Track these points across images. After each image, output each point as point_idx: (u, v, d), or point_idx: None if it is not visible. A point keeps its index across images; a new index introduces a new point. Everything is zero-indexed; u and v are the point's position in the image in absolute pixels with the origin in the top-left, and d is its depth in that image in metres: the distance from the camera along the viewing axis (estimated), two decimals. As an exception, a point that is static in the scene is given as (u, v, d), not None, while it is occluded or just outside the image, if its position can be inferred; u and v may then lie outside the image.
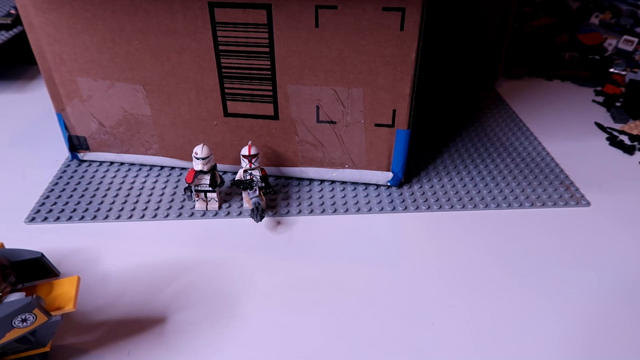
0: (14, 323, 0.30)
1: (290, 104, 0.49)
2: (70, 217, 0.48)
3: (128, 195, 0.52)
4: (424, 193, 0.52)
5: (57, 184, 0.53)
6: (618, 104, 0.71)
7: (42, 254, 0.32)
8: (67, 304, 0.32)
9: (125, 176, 0.55)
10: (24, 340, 0.33)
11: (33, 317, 0.30)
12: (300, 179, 0.55)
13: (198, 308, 0.39)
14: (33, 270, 0.33)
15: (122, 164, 0.57)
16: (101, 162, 0.57)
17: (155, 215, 0.49)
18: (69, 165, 0.56)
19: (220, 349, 0.36)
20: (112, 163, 0.57)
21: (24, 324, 0.30)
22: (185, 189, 0.49)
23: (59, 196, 0.51)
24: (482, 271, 0.43)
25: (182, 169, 0.56)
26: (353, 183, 0.54)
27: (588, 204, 0.51)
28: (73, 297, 0.32)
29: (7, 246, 0.46)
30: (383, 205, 0.51)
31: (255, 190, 0.48)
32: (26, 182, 0.54)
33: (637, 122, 0.66)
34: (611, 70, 0.80)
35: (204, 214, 0.49)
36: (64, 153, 0.58)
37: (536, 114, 0.70)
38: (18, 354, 0.33)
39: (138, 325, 0.38)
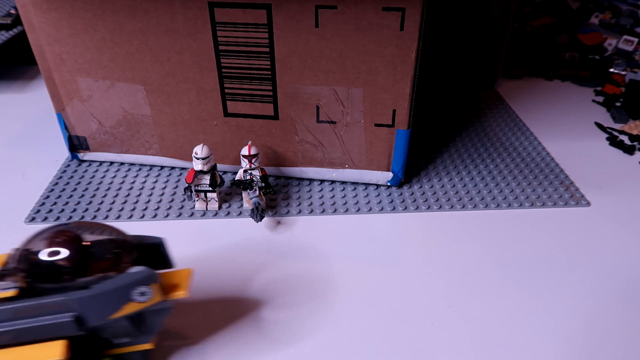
0: (133, 296, 0.30)
1: (290, 104, 0.49)
2: (70, 217, 0.48)
3: (128, 195, 0.52)
4: (424, 193, 0.52)
5: (57, 184, 0.53)
6: (618, 104, 0.71)
7: (163, 240, 0.32)
8: (180, 290, 0.32)
9: (125, 176, 0.55)
10: (132, 327, 0.32)
11: (151, 293, 0.30)
12: (300, 179, 0.55)
13: (197, 308, 0.39)
14: (151, 260, 0.33)
15: (122, 164, 0.57)
16: (101, 162, 0.57)
17: (155, 215, 0.49)
18: (69, 165, 0.56)
19: (220, 348, 0.36)
20: (112, 163, 0.57)
21: (142, 297, 0.30)
22: (185, 189, 0.49)
23: (59, 196, 0.51)
24: (482, 271, 0.43)
25: (182, 169, 0.56)
26: (353, 183, 0.54)
27: (588, 204, 0.51)
28: (186, 285, 0.32)
29: (6, 246, 0.46)
30: (383, 205, 0.51)
31: (255, 190, 0.48)
32: (26, 182, 0.54)
33: (637, 122, 0.66)
34: (611, 70, 0.80)
35: (204, 214, 0.49)
36: (64, 153, 0.58)
37: (536, 114, 0.70)
38: (121, 349, 0.33)
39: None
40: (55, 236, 0.30)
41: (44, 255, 0.29)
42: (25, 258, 0.30)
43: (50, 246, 0.29)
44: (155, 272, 0.30)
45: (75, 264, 0.29)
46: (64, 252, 0.29)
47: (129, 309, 0.30)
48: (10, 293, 0.29)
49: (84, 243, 0.30)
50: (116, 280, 0.30)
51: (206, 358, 0.36)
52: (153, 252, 0.33)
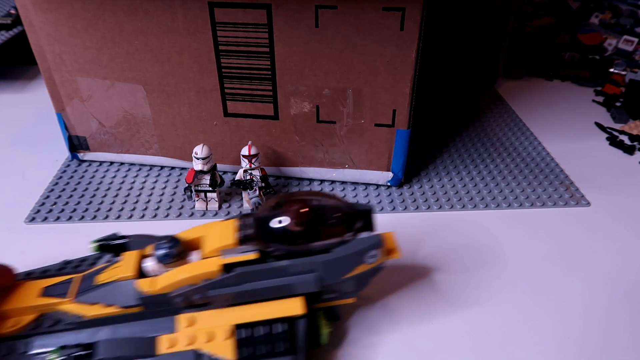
0: (365, 258, 0.33)
1: (291, 104, 0.49)
2: (70, 217, 0.48)
3: (128, 195, 0.52)
4: (424, 193, 0.52)
5: (57, 184, 0.53)
6: (618, 104, 0.71)
7: (372, 207, 0.34)
8: (395, 253, 0.35)
9: (125, 176, 0.55)
10: (353, 285, 0.35)
11: (377, 255, 0.33)
12: (300, 179, 0.55)
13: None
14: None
15: (122, 164, 0.57)
16: (101, 162, 0.57)
17: (155, 215, 0.49)
18: (69, 165, 0.56)
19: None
20: (112, 163, 0.57)
21: (371, 259, 0.33)
22: (185, 189, 0.49)
23: (59, 196, 0.51)
24: (482, 271, 0.43)
25: (182, 169, 0.56)
26: (353, 183, 0.54)
27: (588, 204, 0.51)
28: (397, 248, 0.35)
29: (6, 247, 0.46)
30: (383, 205, 0.51)
31: (255, 190, 0.48)
32: (26, 182, 0.54)
33: (637, 122, 0.66)
34: (611, 70, 0.80)
35: (204, 214, 0.49)
36: (64, 153, 0.58)
37: (536, 114, 0.70)
38: (326, 303, 0.36)
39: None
40: (289, 205, 0.32)
41: (276, 223, 0.32)
42: (262, 225, 0.32)
43: (283, 214, 0.32)
44: (381, 236, 0.33)
45: (308, 230, 0.32)
46: (298, 219, 0.32)
47: (359, 269, 0.34)
48: (252, 256, 0.32)
49: (313, 210, 0.33)
50: (355, 245, 0.33)
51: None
52: (362, 218, 0.35)
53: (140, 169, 0.56)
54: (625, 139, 0.64)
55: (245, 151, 0.48)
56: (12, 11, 0.79)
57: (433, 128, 0.66)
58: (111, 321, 0.33)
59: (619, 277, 0.42)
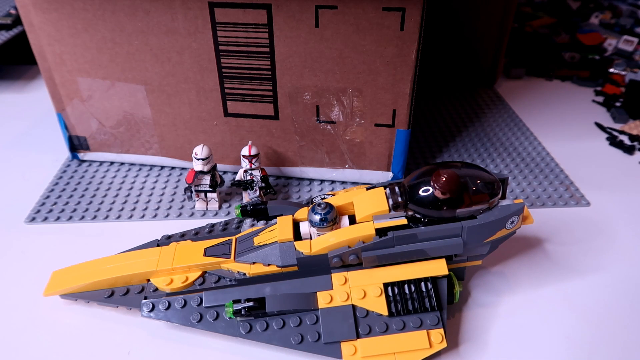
0: (506, 224, 0.35)
1: (291, 104, 0.49)
2: (71, 217, 0.48)
3: (128, 195, 0.52)
4: (424, 193, 0.52)
5: (57, 184, 0.53)
6: (618, 104, 0.71)
7: (508, 177, 0.37)
8: (528, 219, 0.38)
9: (125, 176, 0.55)
10: (489, 249, 0.37)
11: (516, 221, 0.35)
12: (301, 179, 0.55)
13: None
14: None
15: (122, 164, 0.57)
16: (101, 162, 0.57)
17: (155, 215, 0.49)
18: (69, 165, 0.56)
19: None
20: (112, 163, 0.57)
21: (511, 225, 0.36)
22: (186, 189, 0.49)
23: (59, 196, 0.51)
24: (481, 271, 0.43)
25: (182, 169, 0.56)
26: (353, 183, 0.54)
27: (588, 204, 0.51)
28: (530, 215, 0.38)
29: (6, 247, 0.46)
30: (383, 205, 0.51)
31: (256, 190, 0.48)
32: (26, 182, 0.54)
33: (637, 122, 0.66)
34: (611, 70, 0.80)
35: (204, 214, 0.49)
36: (64, 153, 0.58)
37: (536, 114, 0.70)
38: (456, 264, 0.38)
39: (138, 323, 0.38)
40: (435, 174, 0.34)
41: (424, 191, 0.35)
42: (410, 192, 0.35)
43: (430, 183, 0.34)
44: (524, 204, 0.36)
45: (453, 197, 0.34)
46: (444, 188, 0.34)
47: (500, 233, 0.36)
48: (401, 221, 0.35)
49: (458, 179, 0.34)
50: (499, 211, 0.35)
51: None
52: (501, 187, 0.36)
53: (140, 169, 0.56)
54: (625, 139, 0.64)
55: (245, 151, 0.48)
56: (12, 11, 0.79)
57: (433, 128, 0.66)
58: (269, 279, 0.36)
59: (619, 277, 0.42)
